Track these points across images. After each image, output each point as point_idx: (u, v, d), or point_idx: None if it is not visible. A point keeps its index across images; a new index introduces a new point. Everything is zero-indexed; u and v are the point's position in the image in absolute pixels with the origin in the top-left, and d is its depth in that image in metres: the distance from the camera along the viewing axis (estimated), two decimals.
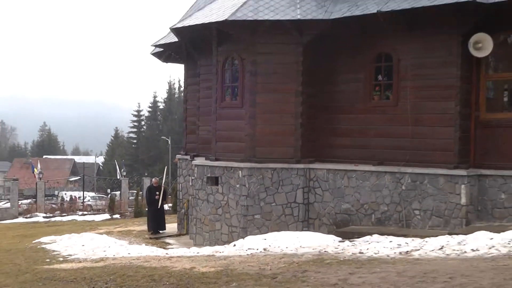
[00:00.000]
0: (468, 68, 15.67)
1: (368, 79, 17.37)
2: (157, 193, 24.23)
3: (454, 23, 15.44)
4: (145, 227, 25.63)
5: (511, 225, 13.79)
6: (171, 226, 25.06)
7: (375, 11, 16.17)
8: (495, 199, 15.32)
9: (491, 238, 11.95)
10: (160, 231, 23.83)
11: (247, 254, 13.95)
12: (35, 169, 68.87)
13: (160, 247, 19.43)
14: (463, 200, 15.20)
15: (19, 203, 45.81)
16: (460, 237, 12.62)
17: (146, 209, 27.13)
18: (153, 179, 28.16)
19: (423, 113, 16.15)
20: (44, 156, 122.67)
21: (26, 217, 41.98)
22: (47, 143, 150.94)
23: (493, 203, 15.36)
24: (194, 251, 16.06)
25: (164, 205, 26.21)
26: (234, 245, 15.59)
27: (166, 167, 22.86)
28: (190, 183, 21.67)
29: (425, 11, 15.44)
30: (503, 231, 12.49)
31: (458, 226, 14.94)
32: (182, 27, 19.69)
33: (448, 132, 15.70)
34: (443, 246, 12.15)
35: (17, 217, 42.02)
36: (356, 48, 17.41)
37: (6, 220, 40.77)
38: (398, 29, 16.30)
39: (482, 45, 15.21)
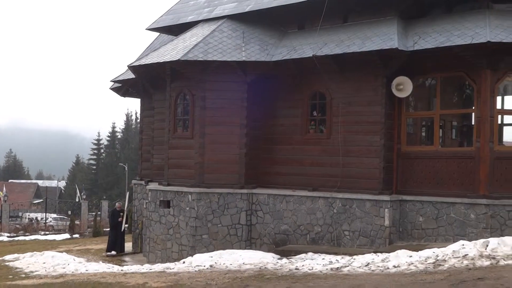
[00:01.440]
0: (391, 107, 16.03)
1: (304, 114, 17.57)
2: (121, 214, 23.60)
3: (379, 67, 15.79)
4: (102, 245, 25.17)
5: (428, 245, 14.05)
6: (127, 245, 24.49)
7: (310, 55, 16.47)
8: (414, 222, 15.61)
9: (410, 256, 12.13)
10: (119, 252, 22.95)
11: (195, 271, 13.83)
12: (0, 193, 67.44)
13: (116, 264, 19.03)
14: (387, 222, 15.43)
15: None
16: (384, 255, 12.77)
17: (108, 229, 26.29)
18: (117, 204, 26.52)
19: (352, 145, 16.41)
20: (10, 180, 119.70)
21: None
22: (13, 168, 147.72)
23: (412, 225, 15.65)
24: (147, 267, 15.77)
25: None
26: (184, 262, 15.45)
27: (128, 192, 22.09)
28: (145, 206, 21.40)
29: (354, 56, 15.85)
30: (421, 249, 12.72)
31: (382, 245, 15.15)
32: (139, 65, 19.63)
33: (374, 162, 15.98)
34: (369, 263, 12.28)
35: None
36: (295, 87, 17.65)
37: None
38: (331, 71, 16.57)
39: (403, 87, 15.61)
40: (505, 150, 15.35)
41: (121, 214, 23.58)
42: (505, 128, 16.18)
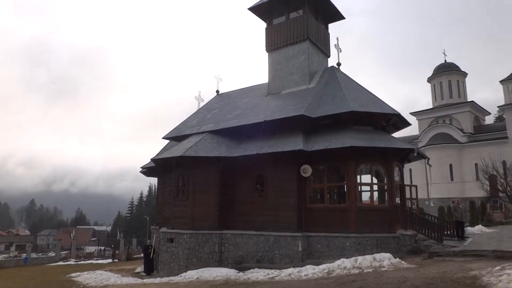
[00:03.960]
0: (301, 182, 16.10)
1: (252, 186, 17.37)
2: (150, 248, 20.64)
3: (294, 159, 15.98)
4: (132, 266, 23.59)
5: (324, 262, 13.77)
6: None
7: (255, 152, 16.67)
8: (315, 248, 15.35)
9: (314, 269, 11.88)
10: (152, 273, 19.74)
11: (188, 281, 13.18)
12: (71, 234, 64.36)
13: (139, 278, 17.89)
14: (300, 249, 15.16)
15: (60, 254, 41.57)
16: (299, 268, 12.44)
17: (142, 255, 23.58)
18: (148, 241, 22.90)
19: (279, 204, 16.26)
20: (77, 226, 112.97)
21: (63, 261, 38.13)
22: (79, 219, 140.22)
23: (314, 250, 15.37)
24: (158, 280, 14.91)
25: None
26: (181, 276, 14.63)
27: (155, 234, 20.21)
28: (158, 241, 20.40)
29: (279, 153, 16.07)
30: (320, 264, 12.46)
31: (298, 262, 14.75)
32: (157, 158, 19.39)
33: (292, 214, 15.84)
34: (290, 274, 11.92)
35: (58, 262, 38.08)
36: (247, 170, 17.50)
37: (51, 263, 37.00)
38: (267, 162, 16.67)
39: (307, 170, 15.85)
40: (363, 206, 15.58)
41: (150, 248, 21.84)
42: (363, 193, 16.40)
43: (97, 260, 39.20)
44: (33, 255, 42.19)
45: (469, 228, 20.78)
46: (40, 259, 39.92)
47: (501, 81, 45.35)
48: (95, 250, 54.41)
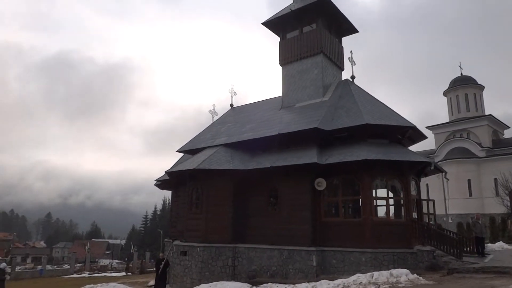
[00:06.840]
0: (315, 195, 15.93)
1: (266, 199, 17.28)
2: (162, 261, 20.84)
3: (307, 172, 15.85)
4: (145, 279, 23.54)
5: (339, 277, 13.52)
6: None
7: (269, 166, 16.62)
8: (330, 262, 15.08)
9: (329, 284, 11.66)
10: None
11: None
12: (86, 247, 65.01)
13: None
14: (314, 263, 14.90)
15: (75, 266, 41.91)
16: (313, 283, 12.23)
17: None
18: (161, 254, 20.36)
19: (293, 217, 16.08)
20: (92, 239, 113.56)
21: (78, 274, 38.48)
22: (94, 232, 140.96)
23: (329, 264, 15.09)
24: None
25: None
26: None
27: (171, 246, 19.39)
28: (171, 254, 20.34)
29: (293, 167, 15.97)
30: (335, 279, 12.23)
31: (312, 277, 14.50)
32: (172, 171, 19.50)
33: (306, 228, 15.63)
34: None
35: (72, 274, 38.40)
36: (260, 183, 17.45)
37: (66, 275, 37.36)
38: (281, 175, 16.58)
39: (321, 184, 15.69)
40: (379, 220, 15.26)
41: (162, 261, 21.40)
42: (378, 207, 16.12)
43: (111, 273, 39.34)
44: (48, 267, 42.79)
45: (489, 244, 20.15)
46: (55, 271, 40.37)
47: None
48: (109, 263, 54.56)
